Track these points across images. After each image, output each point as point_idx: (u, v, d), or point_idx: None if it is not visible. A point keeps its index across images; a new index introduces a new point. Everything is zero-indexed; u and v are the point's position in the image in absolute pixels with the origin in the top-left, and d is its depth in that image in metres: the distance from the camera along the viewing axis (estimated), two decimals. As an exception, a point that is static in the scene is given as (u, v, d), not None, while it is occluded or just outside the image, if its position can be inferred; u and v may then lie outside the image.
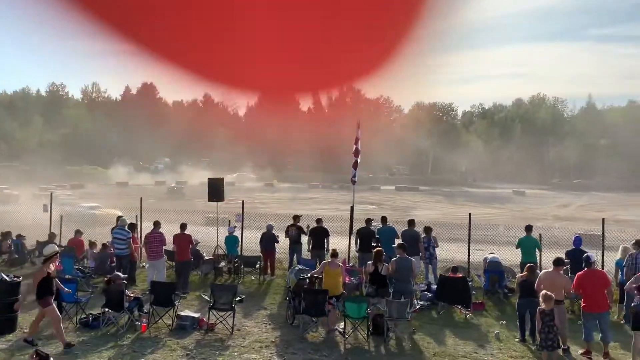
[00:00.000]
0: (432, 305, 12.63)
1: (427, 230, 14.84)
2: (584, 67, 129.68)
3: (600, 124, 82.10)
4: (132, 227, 15.68)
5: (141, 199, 18.62)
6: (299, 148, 78.28)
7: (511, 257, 14.98)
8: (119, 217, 15.85)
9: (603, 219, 15.07)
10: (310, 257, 15.32)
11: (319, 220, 15.73)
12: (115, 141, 78.40)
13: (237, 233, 16.83)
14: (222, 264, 16.05)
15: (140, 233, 17.17)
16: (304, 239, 15.69)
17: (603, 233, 14.59)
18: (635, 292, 9.41)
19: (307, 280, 11.76)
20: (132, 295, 11.42)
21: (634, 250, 11.88)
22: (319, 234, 15.31)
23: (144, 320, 10.82)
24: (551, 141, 76.31)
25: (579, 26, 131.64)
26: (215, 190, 17.59)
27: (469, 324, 11.64)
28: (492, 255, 14.73)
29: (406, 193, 58.56)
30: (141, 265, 16.56)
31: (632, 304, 9.41)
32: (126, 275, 12.76)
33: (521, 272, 11.65)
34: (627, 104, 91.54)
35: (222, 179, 18.63)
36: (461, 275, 13.36)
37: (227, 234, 16.68)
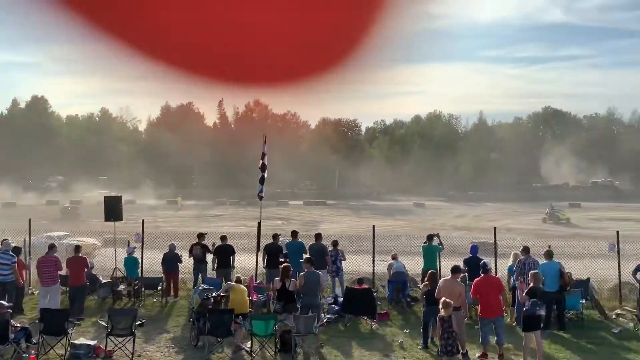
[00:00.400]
0: (339, 317, 12.72)
1: (334, 244, 15.00)
2: (475, 85, 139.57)
3: (490, 139, 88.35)
4: (17, 250, 14.44)
5: (30, 220, 17.27)
6: (204, 164, 76.68)
7: (413, 266, 15.48)
8: (3, 240, 14.57)
9: (495, 228, 16.05)
10: (216, 276, 14.91)
11: (223, 238, 15.37)
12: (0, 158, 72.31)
13: (137, 254, 16.04)
14: (121, 287, 15.18)
15: (29, 256, 15.87)
16: (209, 257, 15.26)
17: (495, 241, 15.52)
18: (527, 297, 10.06)
19: (212, 300, 11.41)
20: (18, 325, 10.46)
21: (523, 256, 12.73)
22: (225, 252, 14.96)
23: (33, 351, 9.93)
24: (447, 155, 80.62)
25: (471, 48, 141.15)
26: (113, 209, 16.70)
27: (374, 334, 11.85)
28: (395, 261, 15.03)
29: (314, 207, 59.21)
30: (30, 291, 15.28)
31: (524, 308, 10.05)
32: (11, 304, 11.67)
33: (423, 278, 12.04)
34: (513, 120, 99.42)
35: (119, 197, 17.81)
36: (367, 287, 13.60)
37: (126, 256, 15.86)
